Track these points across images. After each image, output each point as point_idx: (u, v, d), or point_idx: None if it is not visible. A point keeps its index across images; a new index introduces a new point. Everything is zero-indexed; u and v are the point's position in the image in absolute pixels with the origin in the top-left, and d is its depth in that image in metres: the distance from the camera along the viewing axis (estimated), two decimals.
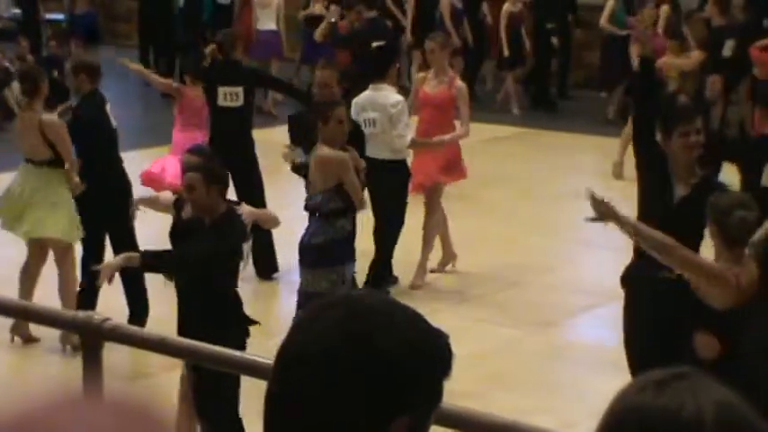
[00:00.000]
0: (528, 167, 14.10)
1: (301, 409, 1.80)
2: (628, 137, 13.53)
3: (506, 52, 17.15)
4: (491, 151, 14.38)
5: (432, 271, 10.41)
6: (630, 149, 13.51)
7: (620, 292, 9.93)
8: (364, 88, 9.78)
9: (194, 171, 6.81)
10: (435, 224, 10.30)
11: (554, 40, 17.44)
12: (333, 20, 14.94)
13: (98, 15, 20.75)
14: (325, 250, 7.96)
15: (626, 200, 12.81)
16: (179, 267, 6.83)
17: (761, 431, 1.74)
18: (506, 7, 17.10)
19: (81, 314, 4.57)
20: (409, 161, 10.10)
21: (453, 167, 10.36)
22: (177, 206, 7.19)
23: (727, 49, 14.22)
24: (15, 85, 15.93)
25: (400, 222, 9.76)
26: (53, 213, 8.72)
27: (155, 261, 6.83)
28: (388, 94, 9.69)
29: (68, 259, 8.83)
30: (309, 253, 8.01)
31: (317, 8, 17.68)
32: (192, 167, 6.89)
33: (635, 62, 13.68)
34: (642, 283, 6.73)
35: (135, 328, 4.83)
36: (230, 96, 10.64)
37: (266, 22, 17.64)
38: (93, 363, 4.44)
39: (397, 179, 9.64)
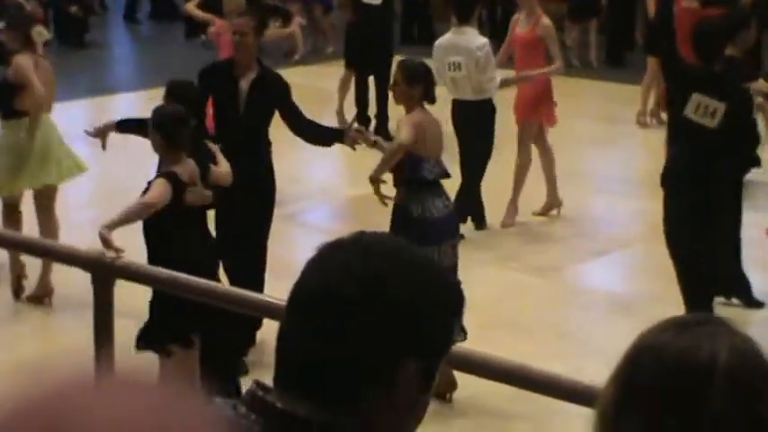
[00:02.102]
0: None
1: (312, 349, 1.80)
2: (649, 84, 13.48)
3: None
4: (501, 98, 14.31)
5: (534, 214, 10.44)
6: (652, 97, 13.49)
7: (630, 239, 10.03)
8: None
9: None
10: (525, 162, 10.34)
11: None
12: None
13: None
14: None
15: (648, 148, 12.83)
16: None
17: None
18: None
19: (92, 251, 4.58)
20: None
21: (542, 107, 10.35)
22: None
23: None
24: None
25: (487, 154, 9.80)
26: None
27: None
28: (471, 38, 9.67)
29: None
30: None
31: None
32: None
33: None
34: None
35: (147, 266, 4.84)
36: None
37: None
38: (104, 301, 4.45)
39: (481, 116, 9.68)
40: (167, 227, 6.42)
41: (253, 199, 7.66)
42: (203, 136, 7.17)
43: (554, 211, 10.57)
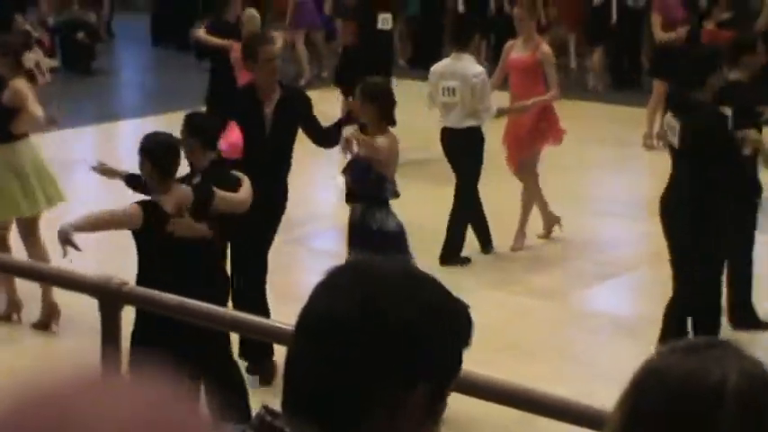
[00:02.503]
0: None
1: (320, 375, 1.81)
2: (654, 107, 13.51)
3: None
4: (503, 124, 14.32)
5: (539, 237, 10.47)
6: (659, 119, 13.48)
7: (636, 263, 10.02)
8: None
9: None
10: (533, 190, 10.37)
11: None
12: None
13: None
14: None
15: (653, 170, 12.83)
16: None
17: None
18: None
19: (99, 277, 4.58)
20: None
21: (546, 132, 10.36)
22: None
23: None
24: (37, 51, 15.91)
25: (476, 180, 9.87)
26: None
27: None
28: (468, 65, 9.72)
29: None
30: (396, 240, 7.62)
31: None
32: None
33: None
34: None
35: (153, 292, 4.83)
36: None
37: None
38: (111, 326, 4.45)
39: (471, 143, 9.73)
40: (158, 257, 6.41)
41: (268, 220, 7.81)
42: (222, 166, 7.15)
43: (556, 228, 10.57)
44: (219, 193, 6.72)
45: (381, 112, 7.54)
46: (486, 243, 10.16)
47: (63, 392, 1.16)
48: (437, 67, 9.90)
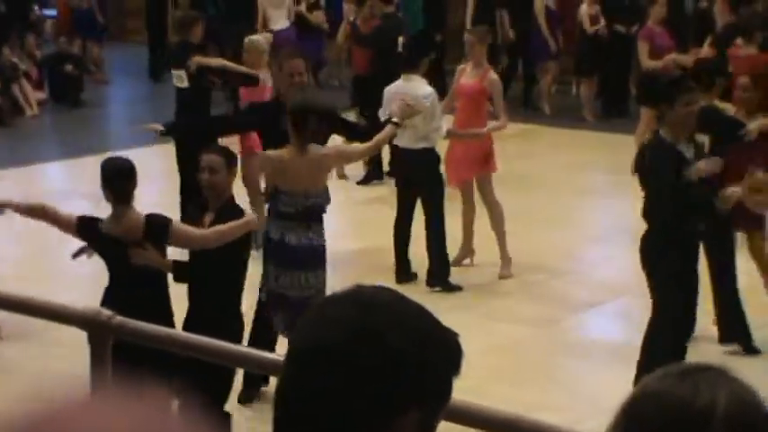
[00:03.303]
0: (534, 164, 14.08)
1: (311, 404, 1.80)
2: (642, 134, 13.56)
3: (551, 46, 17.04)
4: (496, 149, 14.35)
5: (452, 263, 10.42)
6: None
7: (627, 288, 10.01)
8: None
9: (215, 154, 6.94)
10: (498, 213, 10.37)
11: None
12: (351, 18, 14.94)
13: (96, 11, 20.82)
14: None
15: (631, 199, 12.83)
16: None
17: None
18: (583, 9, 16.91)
19: (88, 309, 4.56)
20: (443, 153, 10.25)
21: (487, 160, 10.40)
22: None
23: None
24: (24, 82, 15.95)
25: (443, 206, 9.91)
26: None
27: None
28: (419, 85, 9.77)
29: None
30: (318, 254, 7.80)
31: (302, 6, 17.78)
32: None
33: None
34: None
35: (143, 324, 4.81)
36: (177, 78, 11.29)
37: (278, 21, 17.45)
38: (100, 359, 4.43)
39: (428, 163, 9.81)
40: (129, 286, 6.56)
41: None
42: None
43: (467, 261, 10.57)
44: (177, 226, 6.73)
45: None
46: (401, 272, 10.16)
47: (55, 416, 1.19)
48: (389, 89, 9.93)
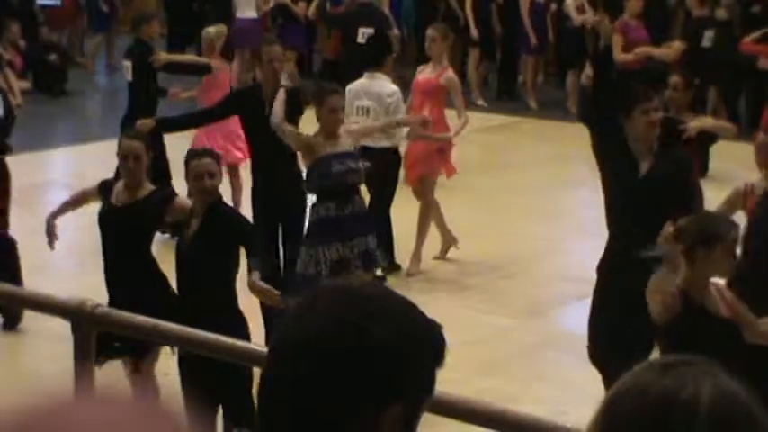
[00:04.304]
0: (518, 156, 14.09)
1: (295, 396, 1.80)
2: None
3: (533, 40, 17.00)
4: (481, 141, 14.37)
5: (435, 258, 10.41)
6: None
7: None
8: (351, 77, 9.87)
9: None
10: (429, 213, 10.31)
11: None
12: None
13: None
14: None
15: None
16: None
17: (758, 421, 1.75)
18: None
19: (72, 300, 4.56)
20: (402, 150, 10.14)
21: (445, 160, 10.37)
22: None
23: (707, 39, 14.17)
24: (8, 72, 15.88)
25: (390, 200, 9.89)
26: None
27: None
28: (383, 83, 9.70)
29: None
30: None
31: None
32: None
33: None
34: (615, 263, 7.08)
35: (127, 314, 4.81)
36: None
37: (245, 9, 17.43)
38: (84, 349, 4.43)
39: (386, 163, 9.68)
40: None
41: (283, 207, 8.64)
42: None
43: (454, 248, 10.54)
44: (180, 200, 6.97)
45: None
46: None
47: (38, 412, 1.19)
48: (352, 87, 9.80)
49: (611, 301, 7.06)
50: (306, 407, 1.80)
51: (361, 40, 13.18)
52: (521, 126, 15.95)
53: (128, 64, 11.40)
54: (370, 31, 13.21)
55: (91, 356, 4.46)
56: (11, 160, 9.38)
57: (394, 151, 9.88)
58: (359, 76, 13.15)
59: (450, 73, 10.33)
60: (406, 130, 9.81)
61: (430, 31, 10.44)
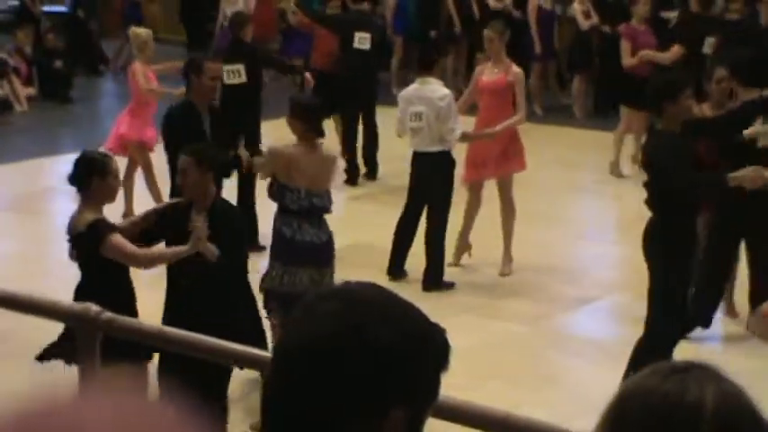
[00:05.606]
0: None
1: (299, 399, 1.80)
2: (621, 135, 13.65)
3: (538, 48, 17.01)
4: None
5: (449, 265, 10.38)
6: (625, 147, 13.60)
7: (618, 285, 10.03)
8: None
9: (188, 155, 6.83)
10: (511, 214, 10.37)
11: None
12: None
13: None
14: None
15: (620, 197, 12.87)
16: None
17: (761, 422, 1.75)
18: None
19: (77, 306, 4.56)
20: (463, 154, 10.22)
21: (511, 157, 10.37)
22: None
23: (707, 46, 14.17)
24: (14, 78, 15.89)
25: (449, 205, 9.89)
26: None
27: None
28: (435, 88, 9.75)
29: None
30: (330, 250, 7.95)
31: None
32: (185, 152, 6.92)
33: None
34: None
35: (132, 320, 4.82)
36: (233, 74, 11.25)
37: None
38: (89, 354, 4.43)
39: (441, 167, 9.73)
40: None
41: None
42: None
43: (465, 257, 10.59)
44: (114, 239, 6.55)
45: (304, 126, 7.82)
46: (395, 266, 10.17)
47: (40, 411, 1.19)
48: (405, 93, 9.95)
49: None
50: (307, 410, 1.79)
51: (357, 45, 13.14)
52: (523, 131, 15.91)
53: (238, 67, 11.28)
54: (366, 35, 13.17)
55: (96, 362, 4.46)
56: (15, 167, 9.36)
57: (447, 154, 9.83)
58: (362, 83, 13.13)
59: (516, 68, 10.34)
60: (458, 131, 9.75)
61: (487, 32, 10.43)
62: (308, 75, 12.58)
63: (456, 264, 10.45)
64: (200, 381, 6.29)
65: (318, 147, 7.91)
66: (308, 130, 7.82)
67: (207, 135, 8.65)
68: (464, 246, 10.54)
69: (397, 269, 10.08)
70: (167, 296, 6.96)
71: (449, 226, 10.00)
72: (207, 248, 6.52)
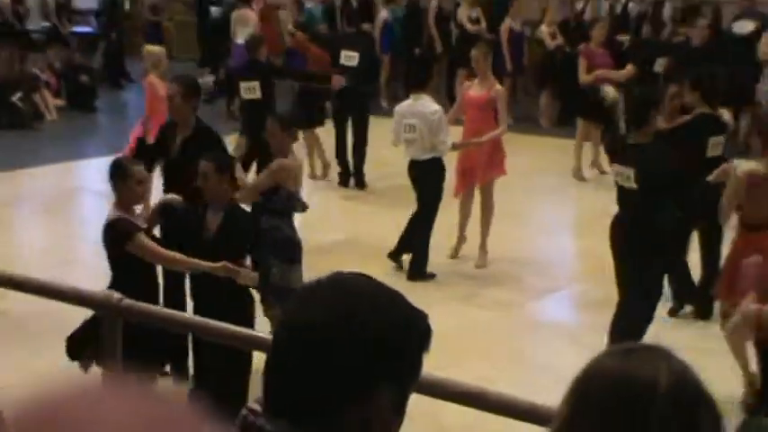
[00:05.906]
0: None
1: (294, 378, 1.79)
2: (579, 143, 13.66)
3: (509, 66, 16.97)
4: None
5: (452, 257, 10.42)
6: (584, 152, 13.56)
7: (579, 275, 10.04)
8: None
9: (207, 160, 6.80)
10: (489, 213, 10.37)
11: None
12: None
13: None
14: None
15: (582, 198, 12.85)
16: None
17: (711, 401, 1.76)
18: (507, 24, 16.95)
19: (99, 292, 4.53)
20: (453, 163, 10.22)
21: (496, 164, 10.36)
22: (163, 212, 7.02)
23: (658, 65, 14.19)
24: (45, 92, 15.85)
25: (436, 206, 9.87)
26: None
27: None
28: (426, 103, 9.76)
29: None
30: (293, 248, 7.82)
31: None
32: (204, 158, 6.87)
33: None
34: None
35: (153, 307, 4.76)
36: (249, 90, 11.34)
37: (241, 36, 17.21)
38: (111, 340, 4.39)
39: (432, 172, 9.75)
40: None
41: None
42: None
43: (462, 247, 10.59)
44: (138, 238, 6.49)
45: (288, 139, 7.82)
46: (398, 255, 10.13)
47: (60, 400, 1.14)
48: (399, 108, 9.95)
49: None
50: (303, 387, 1.79)
51: (343, 61, 13.03)
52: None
53: (254, 84, 11.36)
54: (353, 53, 13.06)
55: (119, 348, 4.41)
56: (46, 170, 9.31)
57: (439, 160, 9.82)
58: (349, 97, 12.97)
59: (499, 86, 10.37)
60: (449, 142, 9.77)
61: (474, 53, 10.39)
62: (335, 76, 12.48)
63: (456, 256, 10.46)
64: (218, 385, 6.27)
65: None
66: (291, 139, 7.86)
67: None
68: (461, 238, 10.55)
69: (396, 255, 10.09)
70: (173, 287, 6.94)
71: (448, 225, 9.99)
72: (248, 278, 6.56)
